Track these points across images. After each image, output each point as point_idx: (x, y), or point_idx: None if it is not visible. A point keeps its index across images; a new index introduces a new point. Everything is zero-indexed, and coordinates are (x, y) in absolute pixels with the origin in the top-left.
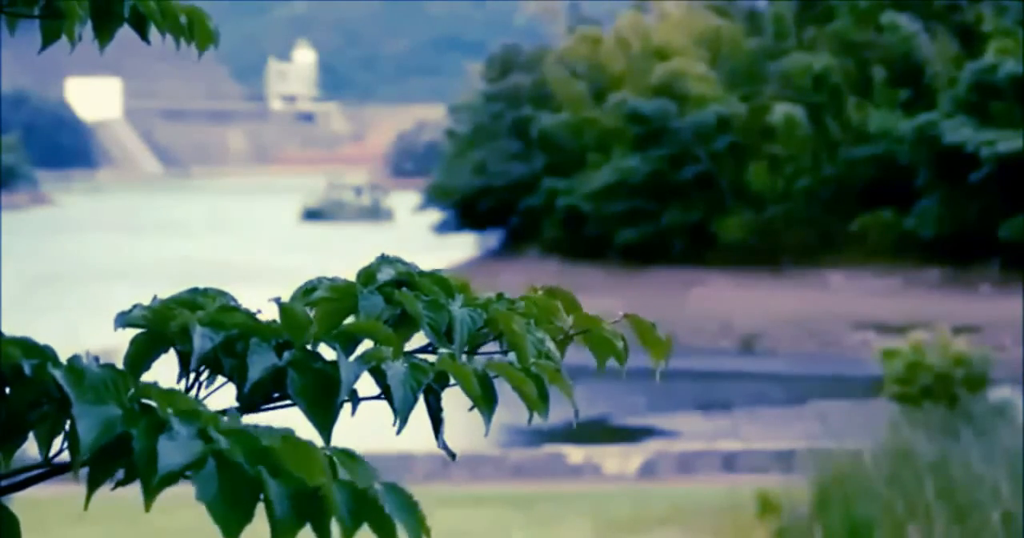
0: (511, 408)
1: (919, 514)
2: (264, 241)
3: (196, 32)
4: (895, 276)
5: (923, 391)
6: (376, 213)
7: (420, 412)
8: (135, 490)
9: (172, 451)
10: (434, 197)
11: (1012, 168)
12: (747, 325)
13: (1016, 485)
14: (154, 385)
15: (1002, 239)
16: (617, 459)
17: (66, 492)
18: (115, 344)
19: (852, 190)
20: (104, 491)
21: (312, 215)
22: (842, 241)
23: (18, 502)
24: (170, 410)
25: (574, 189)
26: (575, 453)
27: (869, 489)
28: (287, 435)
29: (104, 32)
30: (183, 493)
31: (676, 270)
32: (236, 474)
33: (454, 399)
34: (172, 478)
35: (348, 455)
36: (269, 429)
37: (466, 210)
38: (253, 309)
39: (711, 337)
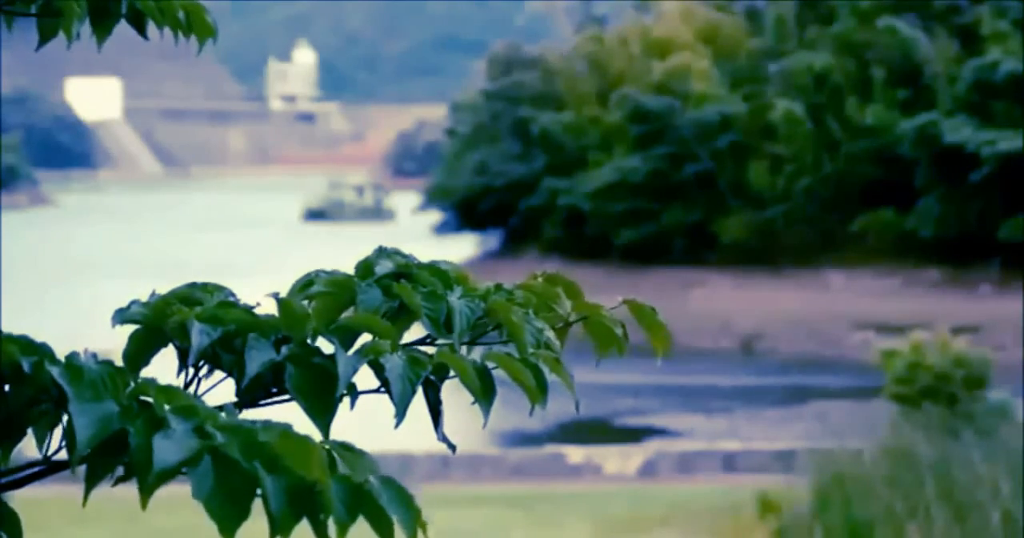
0: (511, 410)
1: (919, 514)
2: (266, 241)
3: (195, 26)
4: (895, 276)
5: (923, 391)
6: (378, 213)
7: (420, 411)
8: (134, 489)
9: (168, 448)
10: (434, 197)
11: (1012, 168)
12: (747, 325)
13: (1016, 485)
14: (152, 381)
15: (1002, 239)
16: (617, 459)
17: (66, 492)
18: (116, 342)
19: (852, 190)
20: (104, 490)
21: (314, 215)
22: (842, 241)
23: (19, 501)
24: (167, 407)
25: (574, 189)
26: (575, 453)
27: (869, 489)
28: (285, 430)
29: (102, 29)
30: (183, 492)
31: (676, 270)
32: (232, 470)
33: (453, 399)
34: (168, 475)
35: (346, 448)
36: (267, 424)
37: (466, 210)
38: (253, 305)
39: (711, 337)
